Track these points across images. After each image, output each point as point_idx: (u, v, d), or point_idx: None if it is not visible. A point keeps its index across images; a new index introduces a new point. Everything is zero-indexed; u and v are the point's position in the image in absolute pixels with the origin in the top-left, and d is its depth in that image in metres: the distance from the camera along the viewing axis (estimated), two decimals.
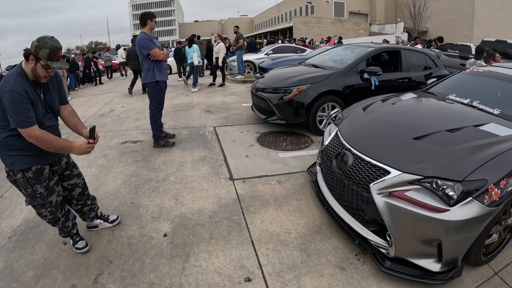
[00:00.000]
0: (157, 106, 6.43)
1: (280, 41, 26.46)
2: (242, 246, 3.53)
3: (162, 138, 6.59)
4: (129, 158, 5.98)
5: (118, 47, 21.44)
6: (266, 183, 4.84)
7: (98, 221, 3.90)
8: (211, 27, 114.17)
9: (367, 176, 3.16)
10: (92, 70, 19.99)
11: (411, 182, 2.87)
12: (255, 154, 5.91)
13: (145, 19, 6.11)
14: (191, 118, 8.72)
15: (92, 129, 3.22)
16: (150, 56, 6.05)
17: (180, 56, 16.76)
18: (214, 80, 14.37)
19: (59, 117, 3.39)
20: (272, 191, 4.61)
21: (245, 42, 14.51)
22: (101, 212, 3.95)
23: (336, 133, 4.03)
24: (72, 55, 21.94)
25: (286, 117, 6.79)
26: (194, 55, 13.06)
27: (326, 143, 4.13)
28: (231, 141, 6.69)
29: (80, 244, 3.60)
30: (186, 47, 13.79)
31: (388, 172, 3.02)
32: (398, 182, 2.91)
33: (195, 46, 13.26)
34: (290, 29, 57.28)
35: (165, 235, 3.75)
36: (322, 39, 32.83)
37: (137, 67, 15.97)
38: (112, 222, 3.94)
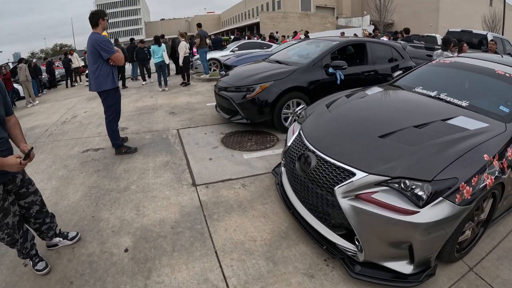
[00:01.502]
0: (115, 114, 6.10)
1: (246, 37, 26.13)
2: (206, 257, 3.39)
3: (122, 145, 6.32)
4: (90, 168, 5.74)
5: (72, 52, 20.77)
6: (230, 187, 4.71)
7: (58, 239, 3.68)
8: (178, 25, 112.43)
9: (331, 178, 3.04)
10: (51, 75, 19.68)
11: (378, 184, 2.77)
12: (219, 157, 5.77)
13: (96, 18, 5.55)
14: (154, 121, 8.51)
15: (29, 151, 2.99)
16: (110, 61, 5.67)
17: (143, 57, 15.55)
18: (185, 78, 14.10)
19: None
20: (236, 195, 4.48)
21: (206, 39, 14.20)
22: (59, 230, 3.74)
23: (299, 133, 3.90)
24: (34, 60, 21.23)
25: (250, 116, 6.67)
26: (164, 54, 12.92)
27: (289, 143, 4.00)
28: (195, 143, 6.52)
29: (40, 265, 3.41)
30: (153, 46, 13.53)
31: (354, 174, 2.90)
32: (364, 184, 2.80)
33: (164, 45, 13.02)
34: (257, 25, 57.19)
35: (126, 250, 3.58)
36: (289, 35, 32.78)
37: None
38: (71, 239, 3.73)
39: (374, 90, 4.69)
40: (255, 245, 3.51)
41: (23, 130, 3.25)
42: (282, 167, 4.29)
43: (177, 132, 7.35)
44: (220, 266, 3.26)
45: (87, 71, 17.45)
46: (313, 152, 3.39)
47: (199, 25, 14.43)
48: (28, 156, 3.01)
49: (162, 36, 15.52)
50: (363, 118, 3.85)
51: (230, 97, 6.82)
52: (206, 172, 5.22)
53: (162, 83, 13.17)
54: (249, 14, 79.19)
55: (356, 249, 2.94)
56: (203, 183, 4.86)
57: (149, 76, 15.47)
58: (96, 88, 5.79)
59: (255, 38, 25.83)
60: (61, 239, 3.69)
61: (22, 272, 3.51)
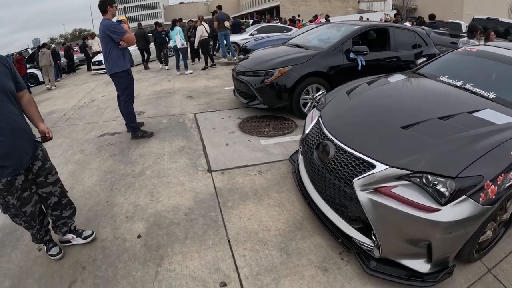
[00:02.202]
0: (129, 96, 6.11)
1: (266, 21, 25.82)
2: (218, 246, 3.34)
3: (138, 129, 6.32)
4: (106, 152, 5.75)
5: (93, 36, 20.85)
6: (245, 174, 4.64)
7: (71, 235, 3.60)
8: (197, 8, 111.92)
9: (350, 170, 2.91)
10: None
11: (398, 178, 2.62)
12: (235, 142, 5.70)
13: (105, 5, 5.65)
14: (171, 105, 8.48)
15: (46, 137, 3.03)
16: (120, 44, 5.68)
17: (160, 41, 15.32)
18: (206, 63, 14.04)
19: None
20: (252, 183, 4.41)
21: (225, 22, 13.97)
22: (75, 227, 3.66)
23: (318, 120, 3.76)
24: (53, 45, 21.49)
25: (268, 101, 6.55)
26: (177, 38, 12.77)
27: (307, 130, 3.86)
28: (212, 128, 6.46)
29: (54, 250, 3.41)
30: (171, 31, 13.45)
31: (374, 166, 2.76)
32: (384, 177, 2.66)
33: (177, 28, 12.93)
34: (277, 8, 56.55)
35: (139, 237, 3.56)
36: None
37: (143, 46, 15.80)
38: (85, 238, 3.57)
39: (397, 78, 4.51)
40: (269, 235, 3.44)
41: (42, 115, 3.21)
42: (300, 155, 4.18)
43: (194, 117, 7.31)
44: (233, 255, 3.21)
45: (93, 59, 17.33)
46: (332, 141, 3.26)
47: (219, 7, 14.26)
48: (46, 139, 3.03)
49: (180, 19, 15.33)
50: (385, 107, 3.68)
51: (248, 82, 6.71)
52: (222, 158, 5.16)
53: (181, 67, 13.13)
54: None
55: (372, 244, 2.83)
56: (218, 169, 4.80)
57: (166, 63, 15.27)
58: (108, 71, 5.92)
59: (275, 22, 25.48)
60: (74, 236, 3.60)
61: (36, 257, 3.53)
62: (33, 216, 3.12)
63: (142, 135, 6.22)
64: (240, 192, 4.22)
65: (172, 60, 15.04)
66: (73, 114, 8.66)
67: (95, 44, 19.57)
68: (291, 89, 6.34)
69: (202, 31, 13.37)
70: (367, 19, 21.53)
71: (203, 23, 13.70)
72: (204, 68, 13.67)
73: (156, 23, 15.96)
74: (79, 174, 5.03)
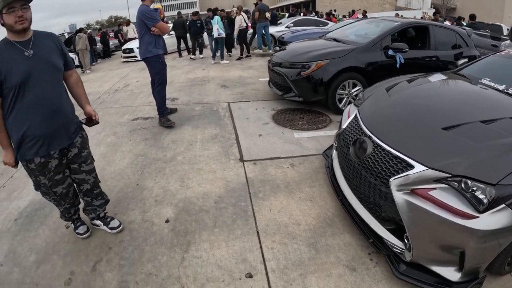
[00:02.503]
0: (161, 81, 6.15)
1: (302, 14, 25.58)
2: (247, 237, 3.29)
3: (164, 116, 6.32)
4: (138, 136, 5.79)
5: (128, 23, 21.20)
6: (278, 166, 4.56)
7: (98, 222, 3.59)
8: None
9: (388, 168, 2.79)
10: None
11: (437, 180, 2.48)
12: (269, 133, 5.63)
13: None
14: (205, 93, 8.48)
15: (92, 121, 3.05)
16: (152, 30, 5.73)
17: (195, 30, 14.79)
18: (242, 53, 14.04)
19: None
20: (284, 175, 4.33)
21: (266, 13, 13.85)
22: (104, 214, 3.61)
23: (356, 116, 3.64)
24: (89, 30, 21.99)
25: (304, 94, 6.44)
26: (214, 27, 12.78)
27: (344, 126, 3.75)
28: (245, 118, 6.41)
29: (81, 229, 3.44)
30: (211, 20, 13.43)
31: (412, 167, 2.63)
32: (422, 179, 2.53)
33: (216, 17, 12.94)
34: (313, 1, 55.90)
35: (167, 221, 3.55)
36: (348, 13, 31.88)
37: (181, 34, 16.02)
38: (111, 228, 3.50)
39: (437, 78, 4.33)
40: (299, 229, 3.36)
41: None
42: (334, 150, 4.07)
43: (227, 106, 7.28)
44: (261, 247, 3.15)
45: (124, 46, 17.42)
46: (370, 138, 3.14)
47: None
48: (92, 122, 3.02)
49: (216, 9, 15.29)
50: (426, 106, 3.51)
51: (284, 73, 6.62)
52: (255, 148, 5.10)
53: (217, 56, 13.15)
54: None
55: (403, 247, 2.71)
56: (251, 159, 4.75)
57: (201, 52, 15.24)
58: (141, 56, 6.04)
59: (311, 15, 25.21)
60: (101, 224, 3.57)
61: (63, 234, 3.57)
62: (63, 196, 3.13)
63: (163, 123, 6.24)
64: (272, 183, 4.15)
65: (207, 50, 15.07)
66: (107, 98, 8.79)
67: (130, 31, 19.87)
68: (328, 83, 6.22)
69: (241, 21, 13.34)
70: (401, 16, 20.96)
71: (242, 13, 13.65)
72: (239, 59, 13.64)
73: (194, 13, 15.93)
74: (111, 156, 5.08)
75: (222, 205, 3.77)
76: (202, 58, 14.80)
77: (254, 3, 14.08)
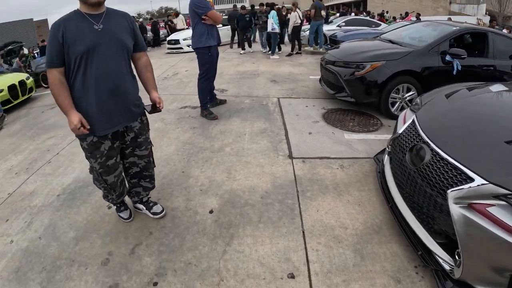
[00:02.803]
0: (206, 74, 6.11)
1: (353, 14, 25.20)
2: (292, 236, 3.17)
3: (207, 108, 6.29)
4: (186, 124, 5.80)
5: (175, 14, 21.67)
6: (327, 166, 4.41)
7: (141, 206, 3.57)
8: None
9: (446, 179, 2.59)
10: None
11: (496, 196, 2.28)
12: (319, 132, 5.48)
13: None
14: (255, 87, 8.41)
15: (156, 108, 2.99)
16: (203, 19, 5.71)
17: (244, 24, 14.70)
18: (293, 49, 13.88)
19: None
20: (333, 176, 4.18)
21: (322, 11, 13.64)
22: (147, 199, 3.58)
23: (413, 121, 3.44)
24: (140, 19, 22.64)
25: (356, 95, 6.26)
26: (269, 21, 12.76)
27: (400, 131, 3.56)
28: (295, 115, 6.29)
29: (124, 214, 3.46)
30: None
31: (472, 179, 2.42)
32: (482, 194, 2.33)
33: (272, 12, 12.90)
34: (364, 1, 54.75)
35: (211, 212, 3.50)
36: (400, 14, 31.14)
37: (235, 27, 15.91)
38: (154, 214, 3.48)
39: (499, 88, 4.01)
40: (345, 234, 3.21)
41: None
42: (386, 155, 3.88)
43: (277, 101, 7.18)
44: (305, 248, 3.04)
45: (169, 38, 17.53)
46: (428, 145, 2.95)
47: None
48: (155, 109, 2.95)
49: (273, 4, 15.16)
50: (487, 116, 3.26)
51: (337, 72, 6.46)
52: (304, 146, 4.97)
53: (267, 51, 13.08)
54: None
55: (453, 264, 2.53)
56: (300, 157, 4.62)
57: (250, 45, 15.16)
58: (192, 45, 6.05)
59: (362, 15, 24.76)
60: (144, 208, 3.55)
61: (105, 214, 3.61)
62: (114, 187, 3.10)
63: (207, 115, 6.21)
64: (320, 183, 4.01)
65: (257, 45, 15.02)
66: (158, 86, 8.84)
67: (179, 22, 20.17)
68: (382, 85, 6.00)
69: (296, 17, 13.19)
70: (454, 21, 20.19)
71: (297, 9, 13.53)
72: (290, 55, 13.51)
73: (242, 6, 15.86)
74: (158, 142, 5.09)
75: (269, 200, 3.67)
76: (251, 52, 14.76)
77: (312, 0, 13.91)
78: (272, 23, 12.68)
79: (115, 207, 3.50)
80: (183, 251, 3.01)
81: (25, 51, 19.21)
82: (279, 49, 14.16)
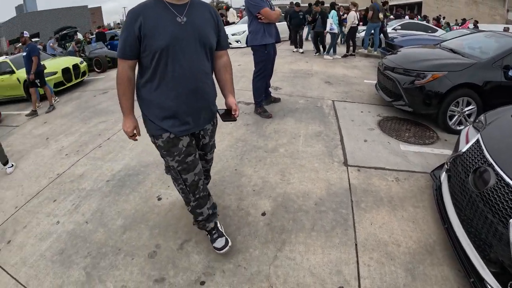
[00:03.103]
0: (261, 72, 6.05)
1: (407, 17, 24.50)
2: (344, 247, 3.09)
3: (261, 106, 6.25)
4: (239, 120, 5.77)
5: (226, 7, 21.74)
6: (382, 177, 4.27)
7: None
8: None
9: (510, 207, 2.44)
10: None
11: None
12: (374, 140, 5.32)
13: None
14: (309, 87, 8.29)
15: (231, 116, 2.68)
16: (258, 17, 5.65)
17: (297, 22, 14.11)
18: (347, 50, 13.64)
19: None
20: (388, 188, 4.04)
21: (380, 14, 13.31)
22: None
23: (478, 141, 3.25)
24: None
25: (414, 104, 6.01)
26: (328, 21, 12.60)
27: (463, 149, 3.39)
28: (350, 120, 6.13)
29: (219, 243, 2.96)
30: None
31: None
32: None
33: (333, 12, 12.75)
34: (418, 4, 53.13)
35: (263, 214, 3.46)
36: (456, 20, 30.10)
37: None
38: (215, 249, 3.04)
39: None
40: (398, 251, 3.09)
41: None
42: (444, 173, 3.71)
43: (332, 103, 7.03)
44: (357, 262, 2.95)
45: None
46: (493, 168, 2.78)
47: None
48: (229, 117, 2.67)
49: (334, 3, 14.83)
50: None
51: (396, 79, 6.24)
52: (360, 153, 4.83)
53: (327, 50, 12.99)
54: None
55: None
56: (355, 165, 4.50)
57: (301, 46, 14.60)
58: (248, 43, 6.06)
59: (416, 19, 24.02)
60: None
61: (154, 205, 3.64)
62: (193, 187, 2.75)
63: (260, 113, 6.17)
64: (375, 195, 3.88)
65: (310, 44, 14.84)
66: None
67: (230, 15, 20.24)
68: (442, 97, 5.73)
69: (354, 18, 12.97)
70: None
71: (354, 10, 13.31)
72: (344, 56, 13.28)
73: (296, 4, 15.29)
74: None
75: (323, 208, 3.59)
76: (302, 52, 14.40)
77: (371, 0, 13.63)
78: (331, 23, 12.51)
79: (209, 236, 3.05)
80: (233, 252, 2.99)
81: (79, 36, 19.74)
82: (334, 50, 13.94)
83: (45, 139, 6.52)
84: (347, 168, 4.40)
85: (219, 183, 3.96)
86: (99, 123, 6.65)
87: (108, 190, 4.05)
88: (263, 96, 6.31)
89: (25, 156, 5.88)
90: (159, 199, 3.72)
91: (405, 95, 6.06)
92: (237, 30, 15.94)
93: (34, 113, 8.71)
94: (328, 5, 13.94)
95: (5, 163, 5.28)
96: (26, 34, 8.94)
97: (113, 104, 8.04)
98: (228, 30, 16.33)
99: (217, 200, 3.60)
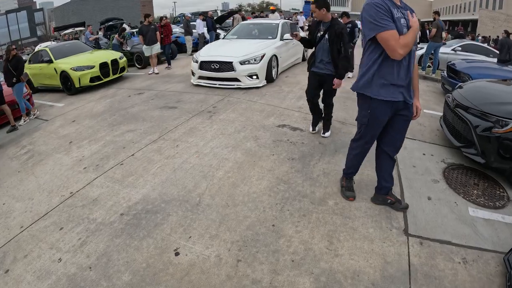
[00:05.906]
0: (359, 138, 3.99)
1: (469, 37, 23.24)
2: None
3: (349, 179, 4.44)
4: (283, 151, 5.10)
5: (272, 8, 21.96)
6: (448, 256, 3.45)
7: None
8: (418, 5, 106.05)
9: None
10: None
11: None
12: (439, 199, 4.45)
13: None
14: None
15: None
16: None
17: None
18: None
19: None
20: (454, 274, 3.23)
21: (443, 33, 12.30)
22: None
23: None
24: (242, 12, 23.75)
25: (488, 156, 5.02)
26: None
27: None
28: (411, 165, 5.27)
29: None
30: None
31: None
32: None
33: None
34: (473, 21, 51.28)
35: None
36: None
37: None
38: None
39: None
40: None
41: None
42: None
43: None
44: None
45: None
46: None
47: (437, 13, 12.67)
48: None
49: None
50: None
51: (470, 122, 5.28)
52: (423, 217, 4.02)
53: None
54: (464, 8, 69.84)
55: None
56: (417, 235, 3.71)
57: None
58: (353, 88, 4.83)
59: (469, 38, 22.67)
60: None
61: (170, 261, 3.23)
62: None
63: (342, 187, 4.34)
64: (438, 284, 3.10)
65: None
66: (251, 89, 8.37)
67: (275, 17, 19.99)
68: None
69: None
70: None
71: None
72: None
73: (345, 14, 14.00)
74: (248, 170, 4.50)
75: None
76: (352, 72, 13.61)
77: (433, 12, 12.71)
78: None
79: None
80: None
81: (126, 27, 19.73)
82: None
83: (68, 143, 6.24)
84: (408, 238, 3.63)
85: (251, 242, 3.31)
86: (127, 132, 6.22)
87: (120, 228, 3.55)
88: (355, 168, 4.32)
89: (44, 161, 5.61)
90: (177, 254, 3.14)
91: (478, 143, 5.11)
92: (251, 53, 9.09)
93: (13, 129, 8.17)
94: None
95: None
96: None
97: (145, 109, 7.63)
98: (231, 52, 9.38)
99: (246, 270, 2.99)
